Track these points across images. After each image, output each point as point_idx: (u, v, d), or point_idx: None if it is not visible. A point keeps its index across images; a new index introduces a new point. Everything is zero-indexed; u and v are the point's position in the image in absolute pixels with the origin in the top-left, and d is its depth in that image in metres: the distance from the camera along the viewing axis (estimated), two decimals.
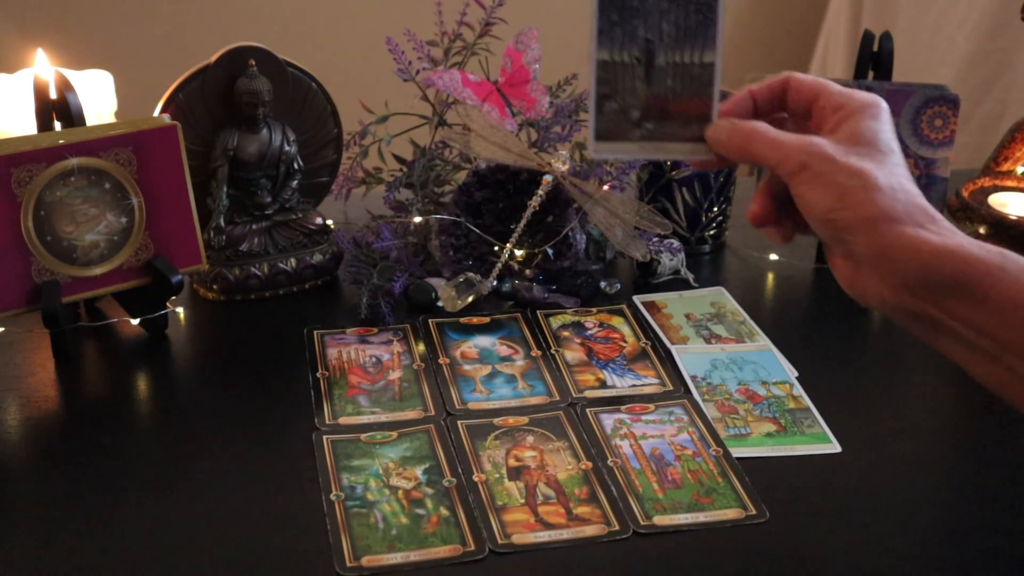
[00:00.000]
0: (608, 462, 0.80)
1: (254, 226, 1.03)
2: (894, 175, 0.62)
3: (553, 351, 0.95)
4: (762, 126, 0.66)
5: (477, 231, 1.03)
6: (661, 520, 0.74)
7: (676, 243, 1.08)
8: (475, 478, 0.78)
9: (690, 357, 0.94)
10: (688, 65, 0.67)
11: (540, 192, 1.01)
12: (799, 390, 0.90)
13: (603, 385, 0.90)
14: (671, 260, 1.06)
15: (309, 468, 0.79)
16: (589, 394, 0.89)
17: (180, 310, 1.00)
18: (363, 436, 0.83)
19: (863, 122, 0.64)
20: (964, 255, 0.59)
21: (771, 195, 0.68)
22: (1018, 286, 0.58)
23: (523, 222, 1.01)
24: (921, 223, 0.61)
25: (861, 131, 0.64)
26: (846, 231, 0.62)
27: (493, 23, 1.09)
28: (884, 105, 0.66)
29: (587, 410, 0.86)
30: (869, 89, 1.08)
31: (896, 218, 0.60)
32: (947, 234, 0.60)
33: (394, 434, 0.83)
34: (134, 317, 0.97)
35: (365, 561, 0.70)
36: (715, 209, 1.12)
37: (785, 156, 0.63)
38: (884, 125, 0.65)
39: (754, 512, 0.76)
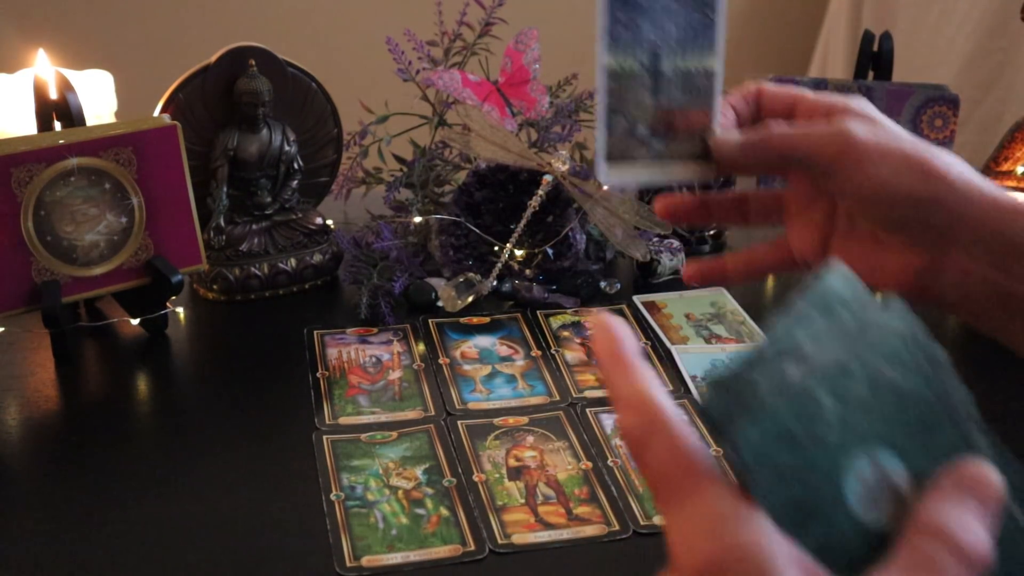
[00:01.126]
0: (608, 462, 0.80)
1: (254, 226, 1.03)
2: (938, 148, 0.56)
3: (553, 351, 0.95)
4: (775, 124, 0.59)
5: (477, 231, 1.03)
6: (661, 520, 0.74)
7: (676, 243, 1.08)
8: (475, 478, 0.78)
9: (690, 357, 0.94)
10: (692, 73, 0.61)
11: (540, 192, 1.01)
12: None
13: (603, 385, 0.90)
14: (671, 260, 1.06)
15: (309, 468, 0.79)
16: (589, 394, 0.89)
17: (180, 310, 1.00)
18: (363, 436, 0.83)
19: (868, 113, 0.59)
20: None
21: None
22: None
23: (523, 222, 1.01)
24: (1004, 191, 0.55)
25: (871, 112, 0.59)
26: (931, 204, 0.54)
27: (493, 23, 1.09)
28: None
29: (587, 410, 0.86)
30: (869, 89, 1.08)
31: (976, 183, 0.54)
32: None
33: (394, 434, 0.83)
34: (134, 317, 0.97)
35: (365, 561, 0.70)
36: None
37: (833, 139, 0.56)
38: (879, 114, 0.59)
39: None
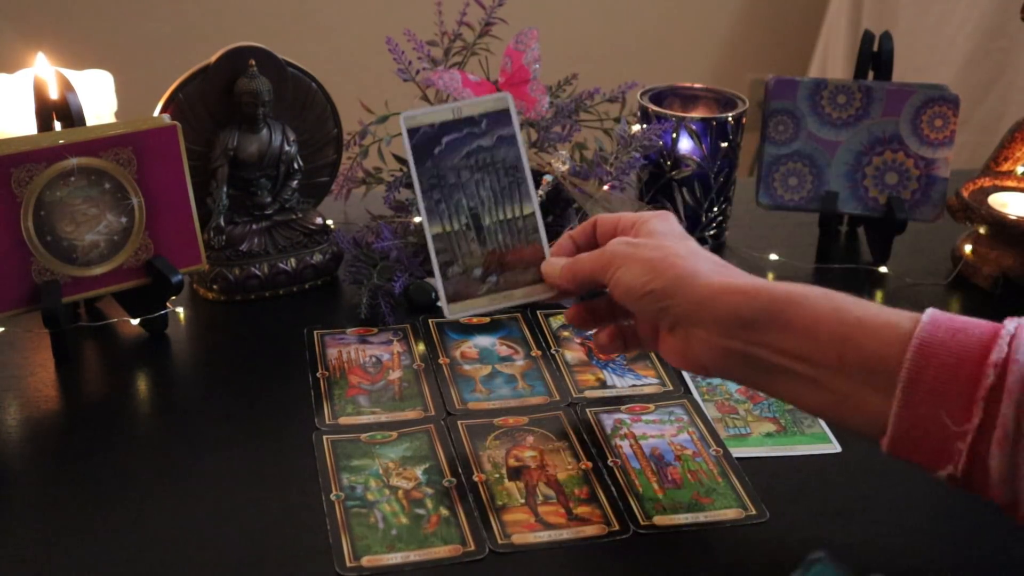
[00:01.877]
0: (608, 462, 0.80)
1: (254, 226, 1.03)
2: (690, 246, 0.73)
3: (553, 351, 0.95)
4: (579, 254, 0.77)
5: None
6: (661, 520, 0.75)
7: None
8: (475, 478, 0.78)
9: None
10: (512, 220, 0.78)
11: (540, 192, 1.01)
12: None
13: (603, 385, 0.90)
14: None
15: (309, 468, 0.79)
16: (589, 394, 0.89)
17: (180, 310, 1.00)
18: (363, 436, 0.83)
19: (653, 222, 0.75)
20: (768, 291, 0.67)
21: (587, 309, 0.80)
22: (817, 307, 0.65)
23: None
24: (723, 272, 0.70)
25: (653, 228, 0.74)
26: (663, 296, 0.70)
27: (493, 23, 1.09)
28: (670, 213, 0.77)
29: (587, 410, 0.86)
30: (869, 89, 1.08)
31: (701, 273, 0.70)
32: (749, 277, 0.69)
33: (394, 434, 0.83)
34: (134, 317, 0.97)
35: (365, 561, 0.70)
36: (715, 209, 1.12)
37: (596, 261, 0.74)
38: (673, 223, 0.76)
39: (754, 512, 0.76)
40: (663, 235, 0.74)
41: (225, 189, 1.02)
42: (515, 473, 0.79)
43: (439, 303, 0.78)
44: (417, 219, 1.05)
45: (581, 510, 0.75)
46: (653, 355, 0.94)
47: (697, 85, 1.17)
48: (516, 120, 0.78)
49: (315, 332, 0.96)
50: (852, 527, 0.75)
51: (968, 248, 1.08)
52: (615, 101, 1.14)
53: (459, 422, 0.84)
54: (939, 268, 1.10)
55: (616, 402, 0.88)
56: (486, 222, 0.77)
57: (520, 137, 0.78)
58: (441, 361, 0.93)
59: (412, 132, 0.77)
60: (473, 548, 0.72)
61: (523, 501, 0.76)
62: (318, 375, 0.90)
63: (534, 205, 0.78)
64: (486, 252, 0.77)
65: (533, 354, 0.94)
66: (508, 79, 1.09)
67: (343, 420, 0.85)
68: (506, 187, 0.77)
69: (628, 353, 0.87)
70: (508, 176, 0.77)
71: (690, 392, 0.89)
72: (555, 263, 0.78)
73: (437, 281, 0.77)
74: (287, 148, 1.03)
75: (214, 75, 1.00)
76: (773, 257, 1.12)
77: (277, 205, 1.05)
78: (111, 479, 0.78)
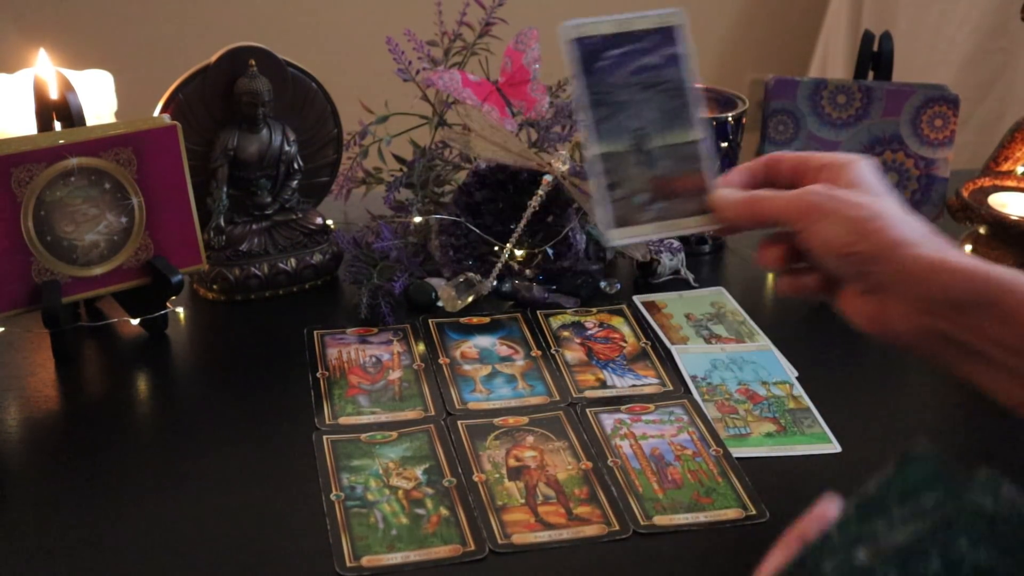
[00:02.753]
0: (608, 462, 0.80)
1: (254, 226, 1.03)
2: (899, 208, 0.65)
3: (553, 351, 0.95)
4: (761, 191, 0.69)
5: (477, 231, 1.03)
6: (661, 520, 0.75)
7: (676, 243, 1.08)
8: (475, 478, 0.78)
9: (690, 357, 0.94)
10: (677, 145, 0.71)
11: (540, 192, 1.01)
12: (799, 390, 0.90)
13: (603, 385, 0.90)
14: (671, 260, 1.06)
15: (309, 468, 0.79)
16: (589, 394, 0.89)
17: (180, 310, 1.00)
18: (363, 436, 0.83)
19: (856, 170, 0.67)
20: (986, 273, 0.61)
21: (780, 246, 0.70)
22: None
23: (523, 222, 1.01)
24: (939, 247, 0.63)
25: (857, 177, 0.67)
26: (869, 262, 0.63)
27: (493, 23, 1.09)
28: (871, 158, 0.69)
29: (587, 410, 0.86)
30: (869, 89, 1.08)
31: (915, 242, 0.63)
32: (966, 256, 0.63)
33: (394, 434, 0.83)
34: (134, 317, 0.97)
35: (365, 561, 0.70)
36: None
37: (791, 205, 0.66)
38: (876, 173, 0.68)
39: (754, 512, 0.76)
40: (870, 189, 0.66)
41: (225, 189, 1.02)
42: (515, 473, 0.79)
43: (600, 230, 0.72)
44: (417, 219, 1.05)
45: (581, 510, 0.75)
46: (652, 355, 0.94)
47: (697, 85, 1.17)
48: (684, 39, 0.73)
49: (315, 332, 0.96)
50: None
51: (968, 248, 1.08)
52: None
53: (459, 422, 0.84)
54: None
55: (616, 402, 0.88)
56: (652, 145, 0.70)
57: (687, 59, 0.72)
58: (441, 361, 0.93)
59: (577, 42, 0.71)
60: (473, 548, 0.72)
61: (523, 501, 0.76)
62: (318, 375, 0.90)
63: (700, 132, 0.71)
64: (651, 177, 0.70)
65: (533, 354, 0.94)
66: (508, 79, 1.09)
67: (343, 420, 0.85)
68: (674, 110, 0.71)
69: (801, 293, 0.73)
70: (675, 98, 0.71)
71: (690, 392, 0.89)
72: (728, 195, 0.70)
73: (600, 204, 0.70)
74: (287, 148, 1.03)
75: (214, 75, 1.00)
76: None
77: (277, 205, 1.05)
78: (111, 479, 0.78)
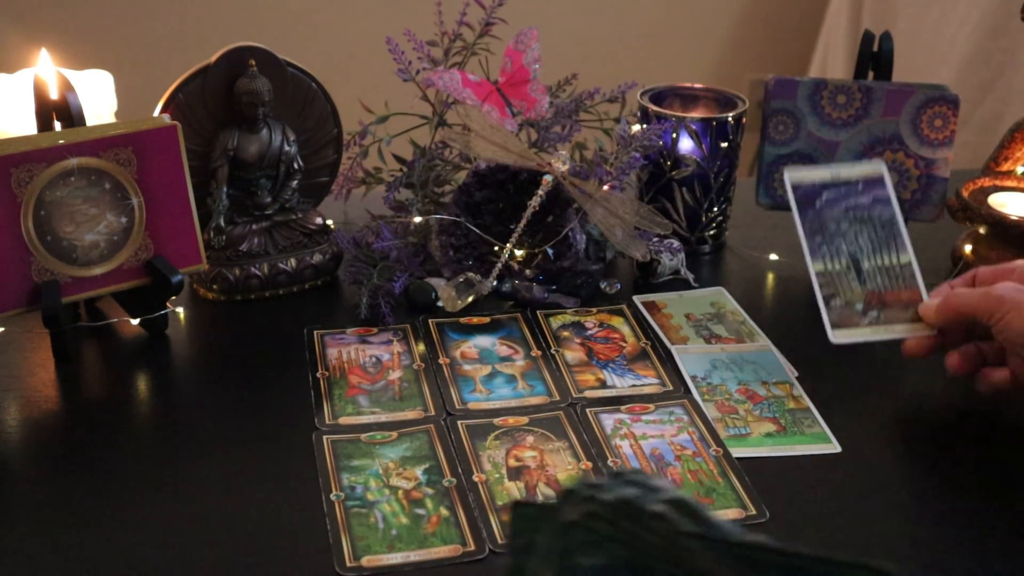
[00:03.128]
0: (608, 462, 0.80)
1: (254, 226, 1.03)
2: None
3: (553, 351, 0.95)
4: (956, 290, 0.83)
5: (477, 231, 1.03)
6: None
7: (676, 243, 1.08)
8: (475, 478, 0.78)
9: (690, 357, 0.94)
10: (890, 267, 0.89)
11: (540, 192, 1.01)
12: (799, 390, 0.90)
13: (603, 385, 0.90)
14: (671, 260, 1.06)
15: (309, 468, 0.79)
16: (589, 394, 0.89)
17: (180, 310, 1.00)
18: (363, 436, 0.83)
19: None
20: None
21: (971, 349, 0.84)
22: None
23: (523, 222, 1.01)
24: None
25: None
26: None
27: (493, 23, 1.09)
28: None
29: (587, 410, 0.86)
30: (869, 89, 1.08)
31: None
32: None
33: (394, 434, 0.83)
34: (134, 317, 0.97)
35: (365, 561, 0.70)
36: (715, 209, 1.12)
37: (983, 299, 0.79)
38: None
39: (754, 512, 0.76)
40: None
41: (225, 189, 1.02)
42: (515, 473, 0.79)
43: (826, 328, 0.88)
44: (417, 219, 1.05)
45: None
46: (652, 355, 0.94)
47: (697, 85, 1.17)
48: (891, 185, 0.92)
49: (315, 332, 0.96)
50: (852, 527, 0.75)
51: (968, 248, 1.08)
52: (615, 101, 1.14)
53: (459, 422, 0.84)
54: (939, 268, 1.10)
55: (616, 402, 0.88)
56: (865, 266, 0.88)
57: (895, 200, 0.91)
58: (441, 361, 0.93)
59: (795, 187, 0.91)
60: (473, 548, 0.72)
61: None
62: (318, 375, 0.90)
63: (911, 255, 0.89)
64: (866, 291, 0.88)
65: (533, 354, 0.94)
66: (508, 79, 1.09)
67: (343, 420, 0.85)
68: (883, 239, 0.89)
69: (995, 389, 0.85)
70: (884, 230, 0.89)
71: (690, 392, 0.89)
72: (930, 304, 0.85)
73: (822, 311, 0.87)
74: (287, 148, 1.03)
75: (214, 75, 1.00)
76: (773, 257, 1.12)
77: (277, 205, 1.05)
78: (111, 479, 0.78)
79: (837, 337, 0.87)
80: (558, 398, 0.88)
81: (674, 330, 0.98)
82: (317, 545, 0.72)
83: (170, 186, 0.94)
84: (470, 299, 0.99)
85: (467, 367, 0.92)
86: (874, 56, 1.11)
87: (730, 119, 1.09)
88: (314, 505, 0.75)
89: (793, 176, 0.91)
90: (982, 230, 1.06)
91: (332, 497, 0.76)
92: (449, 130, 1.08)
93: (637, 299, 1.03)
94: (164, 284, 0.94)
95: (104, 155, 0.91)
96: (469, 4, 1.09)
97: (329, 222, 1.08)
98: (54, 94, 0.91)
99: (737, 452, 0.82)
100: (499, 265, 1.01)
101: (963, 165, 1.34)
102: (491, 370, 0.92)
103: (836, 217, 0.90)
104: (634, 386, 0.90)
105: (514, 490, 0.77)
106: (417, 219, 1.05)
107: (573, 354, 0.94)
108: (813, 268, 0.88)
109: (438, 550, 0.72)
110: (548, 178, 1.02)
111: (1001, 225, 1.03)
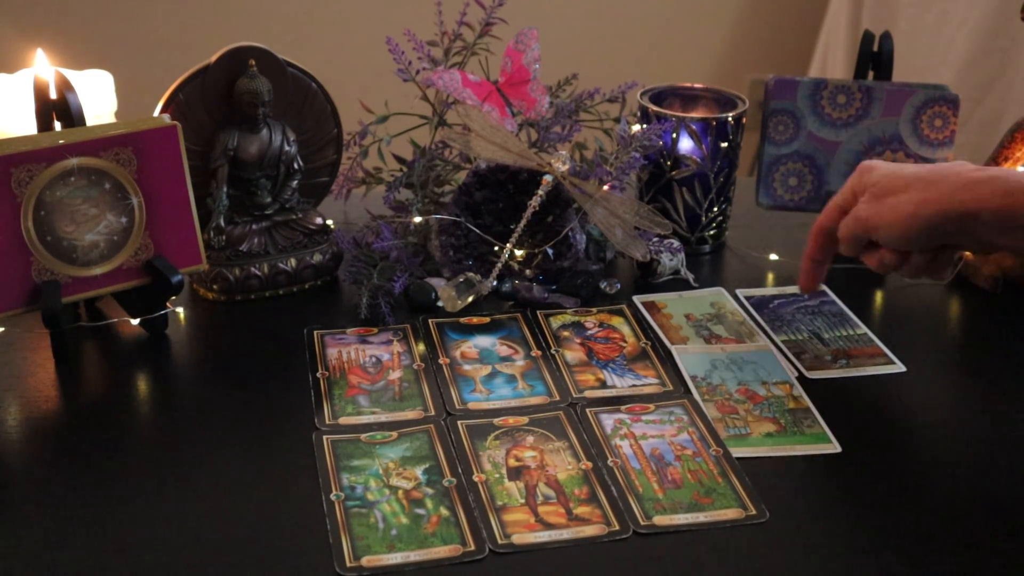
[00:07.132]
0: (608, 462, 0.80)
1: (254, 226, 1.03)
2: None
3: (553, 351, 0.95)
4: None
5: (477, 231, 1.03)
6: (661, 520, 0.75)
7: (676, 243, 1.08)
8: (475, 478, 0.78)
9: (690, 357, 0.94)
10: (849, 335, 0.98)
11: (540, 192, 1.01)
12: (799, 390, 0.90)
13: (603, 385, 0.90)
14: (671, 260, 1.06)
15: (309, 468, 0.79)
16: (589, 394, 0.89)
17: (180, 310, 1.00)
18: (363, 436, 0.83)
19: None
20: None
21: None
22: None
23: (523, 222, 1.01)
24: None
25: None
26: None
27: (493, 23, 1.09)
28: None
29: (587, 410, 0.86)
30: (869, 89, 1.08)
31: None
32: None
33: (394, 434, 0.83)
34: (134, 317, 0.97)
35: (365, 561, 0.70)
36: (715, 209, 1.12)
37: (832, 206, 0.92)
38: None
39: (754, 512, 0.76)
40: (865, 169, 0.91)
41: (225, 189, 1.02)
42: (515, 473, 0.79)
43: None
44: (417, 219, 1.05)
45: (581, 510, 0.75)
46: (652, 355, 0.94)
47: (697, 85, 1.17)
48: (834, 295, 1.04)
49: (315, 332, 0.96)
50: (852, 527, 0.75)
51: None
52: (615, 101, 1.14)
53: (459, 422, 0.84)
54: None
55: (616, 402, 0.88)
56: (826, 336, 0.97)
57: (841, 303, 1.02)
58: (441, 361, 0.93)
59: (748, 298, 1.03)
60: (473, 548, 0.72)
61: (523, 501, 0.76)
62: (318, 375, 0.90)
63: (865, 329, 0.98)
64: (831, 349, 0.95)
65: (533, 354, 0.94)
66: (508, 79, 1.09)
67: (343, 420, 0.85)
68: (836, 322, 0.99)
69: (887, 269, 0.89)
70: (836, 317, 1.00)
71: (690, 392, 0.89)
72: (807, 274, 0.94)
73: (794, 362, 0.94)
74: (287, 148, 1.03)
75: (214, 75, 1.00)
76: (773, 257, 1.12)
77: (277, 205, 1.05)
78: (111, 479, 0.78)
79: (812, 374, 0.93)
80: (558, 398, 0.88)
81: (674, 330, 0.98)
82: (317, 545, 0.72)
83: (170, 186, 0.94)
84: (470, 299, 0.99)
85: (467, 367, 0.92)
86: (874, 56, 1.11)
87: (730, 119, 1.09)
88: (314, 505, 0.75)
89: (745, 292, 1.04)
90: None
91: (332, 497, 0.76)
92: (449, 130, 1.08)
93: (637, 299, 1.03)
94: (164, 284, 0.94)
95: (104, 155, 0.91)
96: (469, 4, 1.09)
97: (329, 222, 1.08)
98: (54, 94, 0.91)
99: (737, 452, 0.82)
100: (499, 265, 1.01)
101: None
102: (491, 370, 0.92)
103: (791, 312, 1.01)
104: (634, 386, 0.90)
105: (514, 490, 0.77)
106: (417, 219, 1.05)
107: (573, 354, 0.94)
108: (778, 339, 0.97)
109: (438, 550, 0.72)
110: (548, 178, 1.02)
111: None
